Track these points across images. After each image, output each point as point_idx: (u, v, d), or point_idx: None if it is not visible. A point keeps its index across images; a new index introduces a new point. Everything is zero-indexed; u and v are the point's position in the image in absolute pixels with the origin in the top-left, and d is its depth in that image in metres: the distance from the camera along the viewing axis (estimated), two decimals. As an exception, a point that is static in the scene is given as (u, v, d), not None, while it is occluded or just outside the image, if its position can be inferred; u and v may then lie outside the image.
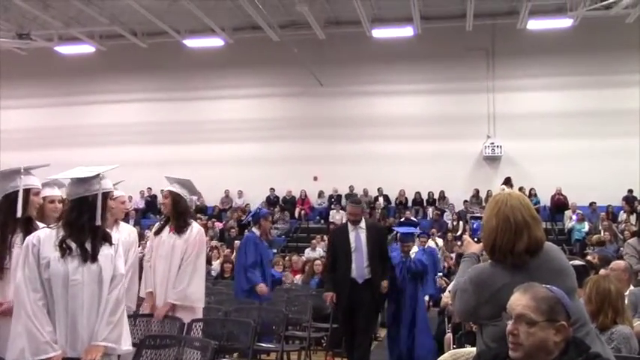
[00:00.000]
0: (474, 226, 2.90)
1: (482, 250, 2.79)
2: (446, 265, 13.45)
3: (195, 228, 4.96)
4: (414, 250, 7.02)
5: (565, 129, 17.38)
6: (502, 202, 2.59)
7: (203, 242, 5.01)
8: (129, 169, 16.28)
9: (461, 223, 17.17)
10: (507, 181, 16.48)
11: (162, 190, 5.00)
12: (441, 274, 11.90)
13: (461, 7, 16.53)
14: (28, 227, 3.46)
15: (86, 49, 18.95)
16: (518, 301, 2.21)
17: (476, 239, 2.90)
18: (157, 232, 4.95)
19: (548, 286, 2.27)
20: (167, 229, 4.93)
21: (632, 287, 5.36)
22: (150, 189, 18.56)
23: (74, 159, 18.67)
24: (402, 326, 6.72)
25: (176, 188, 4.96)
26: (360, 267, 6.14)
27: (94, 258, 3.09)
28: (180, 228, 4.86)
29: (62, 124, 19.90)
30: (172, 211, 4.91)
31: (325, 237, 16.49)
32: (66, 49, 19.10)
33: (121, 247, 3.26)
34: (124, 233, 4.83)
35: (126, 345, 3.12)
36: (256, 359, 5.70)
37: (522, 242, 2.49)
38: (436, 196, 18.43)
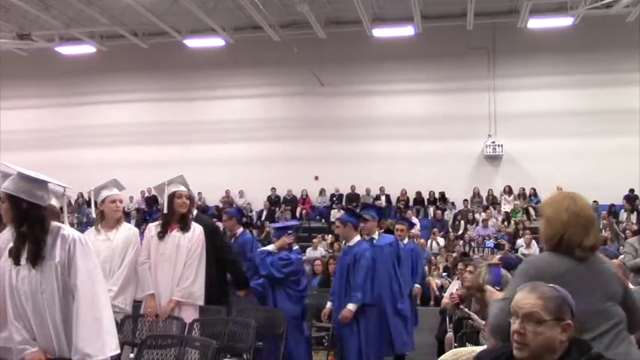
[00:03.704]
0: (495, 274, 2.91)
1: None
2: (448, 265, 13.43)
3: (198, 227, 5.04)
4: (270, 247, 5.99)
5: (566, 128, 17.37)
6: (570, 199, 2.76)
7: (204, 241, 5.06)
8: (129, 169, 16.40)
9: (462, 222, 17.17)
10: None
11: (177, 191, 5.03)
12: (445, 273, 11.81)
13: (461, 6, 16.52)
14: None
15: (87, 49, 18.96)
16: (526, 299, 2.21)
17: (497, 288, 2.93)
18: (163, 235, 4.93)
19: (552, 285, 2.28)
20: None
21: (631, 286, 5.37)
22: (150, 189, 18.53)
23: (75, 159, 18.83)
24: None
25: (185, 188, 5.04)
26: None
27: (34, 267, 3.05)
28: (186, 227, 4.93)
29: (63, 125, 19.91)
30: (186, 212, 4.99)
31: (327, 236, 16.55)
32: (67, 50, 19.11)
33: (81, 257, 3.06)
34: (122, 233, 4.85)
35: (111, 351, 3.05)
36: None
37: (590, 239, 2.64)
38: (437, 196, 18.42)
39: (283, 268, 5.96)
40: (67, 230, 3.14)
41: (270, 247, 6.07)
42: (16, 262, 3.08)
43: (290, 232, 6.27)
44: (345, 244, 6.25)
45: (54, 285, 3.05)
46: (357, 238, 6.02)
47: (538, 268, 2.62)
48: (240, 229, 7.29)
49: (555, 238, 2.66)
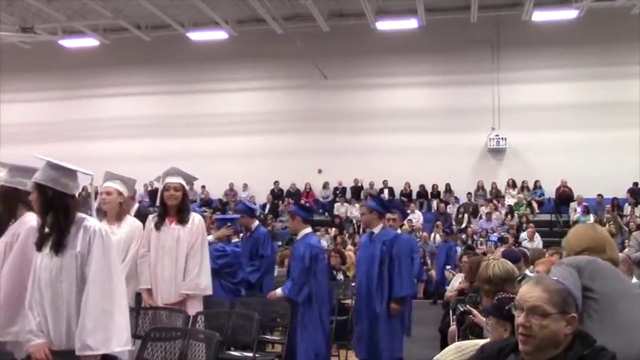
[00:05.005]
0: None
1: None
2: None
3: (197, 217, 5.00)
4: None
5: (570, 121, 17.30)
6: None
7: (205, 231, 5.07)
8: (133, 162, 16.40)
9: (465, 215, 17.15)
10: None
11: (165, 183, 4.98)
12: (449, 267, 11.77)
13: (465, -2, 16.48)
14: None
15: (90, 42, 18.96)
16: (530, 293, 2.21)
17: None
18: (158, 226, 4.91)
19: (556, 278, 2.28)
20: (166, 221, 4.91)
21: (635, 279, 5.36)
22: (152, 182, 18.52)
23: (79, 153, 18.81)
24: None
25: (182, 181, 4.99)
26: None
27: (56, 255, 3.09)
28: (184, 219, 4.89)
29: (66, 118, 19.93)
30: (180, 205, 4.92)
31: (330, 229, 16.56)
32: (70, 43, 19.10)
33: (98, 248, 3.09)
34: (125, 227, 4.85)
35: (118, 346, 3.04)
36: (262, 351, 5.72)
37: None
38: (441, 189, 18.40)
39: (217, 259, 6.01)
40: (90, 221, 3.18)
41: (209, 238, 6.08)
42: (39, 249, 3.13)
43: (230, 224, 6.29)
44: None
45: (73, 275, 3.07)
46: (305, 231, 5.94)
47: (574, 257, 3.09)
48: (256, 223, 7.27)
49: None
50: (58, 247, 3.08)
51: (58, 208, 3.11)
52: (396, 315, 6.03)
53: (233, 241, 6.27)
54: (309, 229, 6.04)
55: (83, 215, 3.20)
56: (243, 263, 6.69)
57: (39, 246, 3.13)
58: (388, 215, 7.07)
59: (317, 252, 5.83)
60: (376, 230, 6.18)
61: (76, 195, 3.26)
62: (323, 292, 5.92)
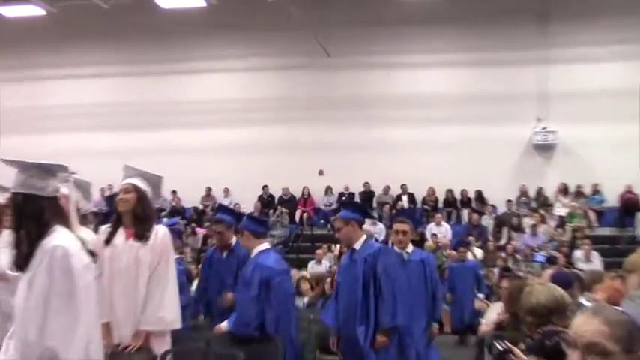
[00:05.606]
0: None
1: None
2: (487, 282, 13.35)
3: (161, 231, 4.94)
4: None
5: (637, 109, 17.28)
6: None
7: (171, 246, 5.01)
8: (87, 160, 16.39)
9: (504, 229, 17.12)
10: None
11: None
12: (482, 295, 11.73)
13: (504, -44, 16.50)
14: None
15: (33, 10, 18.95)
16: (587, 325, 2.18)
17: None
18: (108, 240, 4.86)
19: (620, 308, 2.25)
20: (121, 234, 4.87)
21: None
22: (111, 186, 18.52)
23: (22, 148, 18.80)
24: None
25: (140, 182, 4.91)
26: None
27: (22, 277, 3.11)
28: (144, 234, 4.82)
29: (5, 105, 19.92)
30: (134, 212, 4.84)
31: (334, 245, 16.53)
32: (9, 11, 19.11)
33: (42, 273, 3.04)
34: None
35: None
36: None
37: None
38: (472, 195, 18.39)
39: None
40: (52, 237, 3.11)
41: None
42: (20, 269, 3.14)
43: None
44: None
45: (20, 303, 3.10)
46: (258, 248, 6.06)
47: None
48: (234, 239, 7.19)
49: None
50: (24, 264, 3.07)
51: (28, 214, 3.10)
52: (383, 347, 5.90)
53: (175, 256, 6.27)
54: (263, 245, 6.13)
55: (57, 228, 3.15)
56: (185, 284, 6.81)
57: (17, 266, 3.14)
58: (396, 227, 7.01)
59: (268, 274, 5.78)
60: (358, 245, 6.11)
61: (55, 196, 3.24)
62: (283, 323, 5.82)
